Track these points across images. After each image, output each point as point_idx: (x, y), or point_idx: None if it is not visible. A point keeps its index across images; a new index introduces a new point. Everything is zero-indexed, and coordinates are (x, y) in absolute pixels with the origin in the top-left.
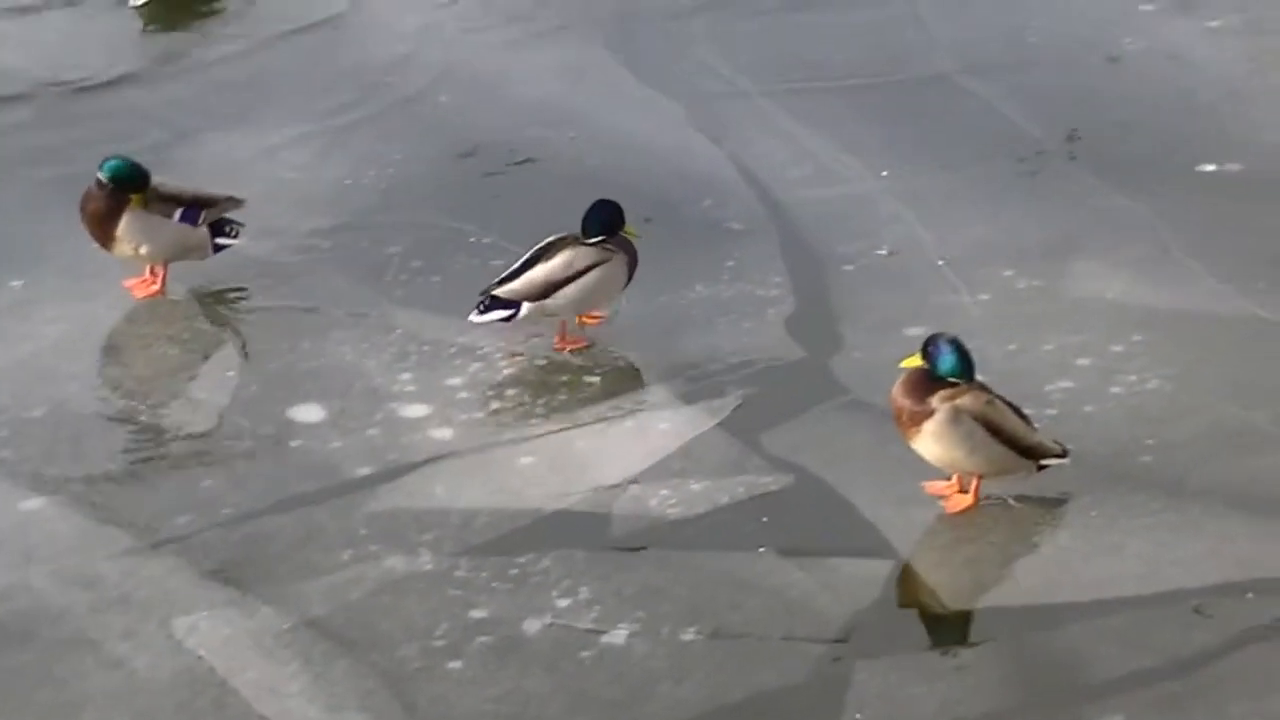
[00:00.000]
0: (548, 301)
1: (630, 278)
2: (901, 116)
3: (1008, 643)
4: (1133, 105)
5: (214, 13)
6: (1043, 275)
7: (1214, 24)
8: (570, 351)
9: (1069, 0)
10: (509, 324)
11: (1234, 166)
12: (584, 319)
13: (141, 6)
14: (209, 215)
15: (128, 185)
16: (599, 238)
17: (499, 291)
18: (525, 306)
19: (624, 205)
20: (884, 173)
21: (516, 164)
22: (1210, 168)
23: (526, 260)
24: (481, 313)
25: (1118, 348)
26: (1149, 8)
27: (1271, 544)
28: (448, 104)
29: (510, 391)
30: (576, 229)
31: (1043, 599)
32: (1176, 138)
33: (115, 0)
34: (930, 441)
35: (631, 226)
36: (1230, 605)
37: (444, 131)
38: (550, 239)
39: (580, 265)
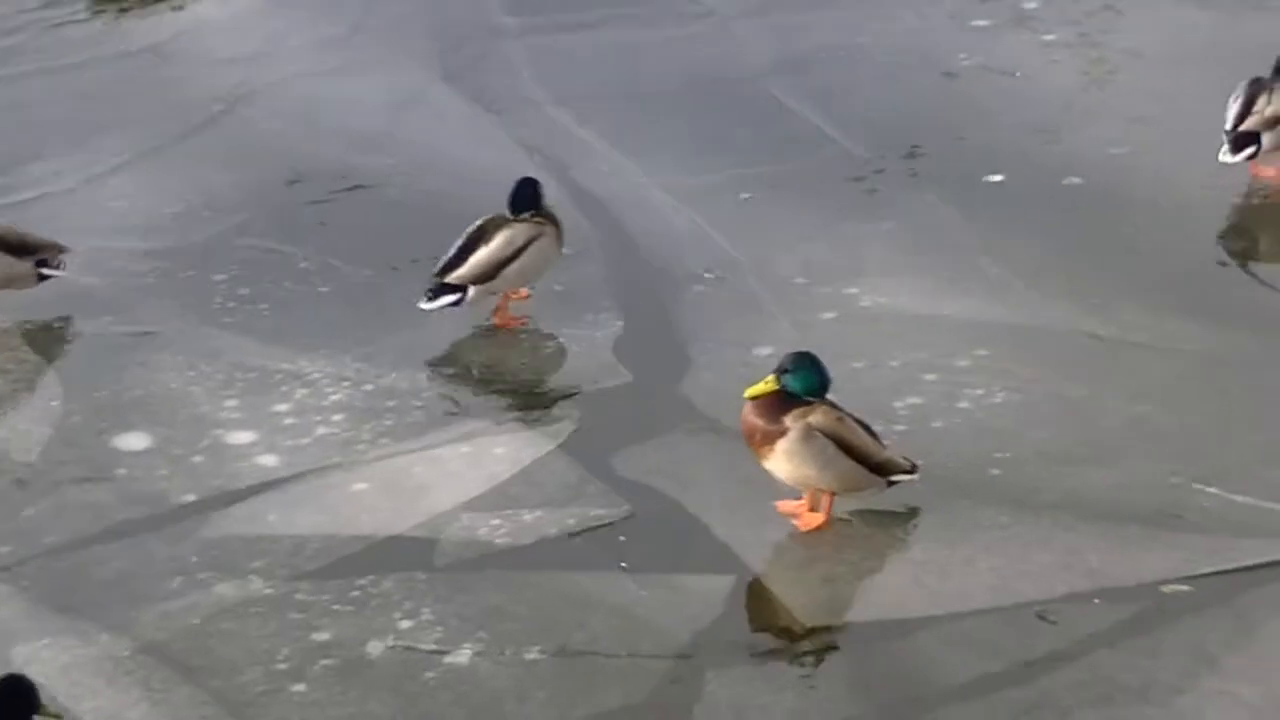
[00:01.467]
0: (494, 281)
1: (561, 244)
2: (740, 137)
3: (859, 654)
4: (970, 121)
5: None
6: (886, 293)
7: (1048, 38)
8: (511, 329)
9: (901, 17)
10: (458, 307)
11: (1074, 180)
12: (513, 295)
13: None
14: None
15: None
16: (528, 212)
17: (448, 278)
18: (472, 290)
19: (446, 230)
20: (744, 195)
21: (343, 190)
22: (1050, 183)
23: (464, 245)
24: (431, 299)
25: (963, 363)
26: (983, 23)
27: (1118, 554)
28: (273, 130)
29: (336, 417)
30: (410, 254)
31: (896, 613)
32: (1015, 153)
33: None
34: (783, 460)
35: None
36: (1077, 612)
37: (270, 158)
38: (480, 221)
39: (520, 242)
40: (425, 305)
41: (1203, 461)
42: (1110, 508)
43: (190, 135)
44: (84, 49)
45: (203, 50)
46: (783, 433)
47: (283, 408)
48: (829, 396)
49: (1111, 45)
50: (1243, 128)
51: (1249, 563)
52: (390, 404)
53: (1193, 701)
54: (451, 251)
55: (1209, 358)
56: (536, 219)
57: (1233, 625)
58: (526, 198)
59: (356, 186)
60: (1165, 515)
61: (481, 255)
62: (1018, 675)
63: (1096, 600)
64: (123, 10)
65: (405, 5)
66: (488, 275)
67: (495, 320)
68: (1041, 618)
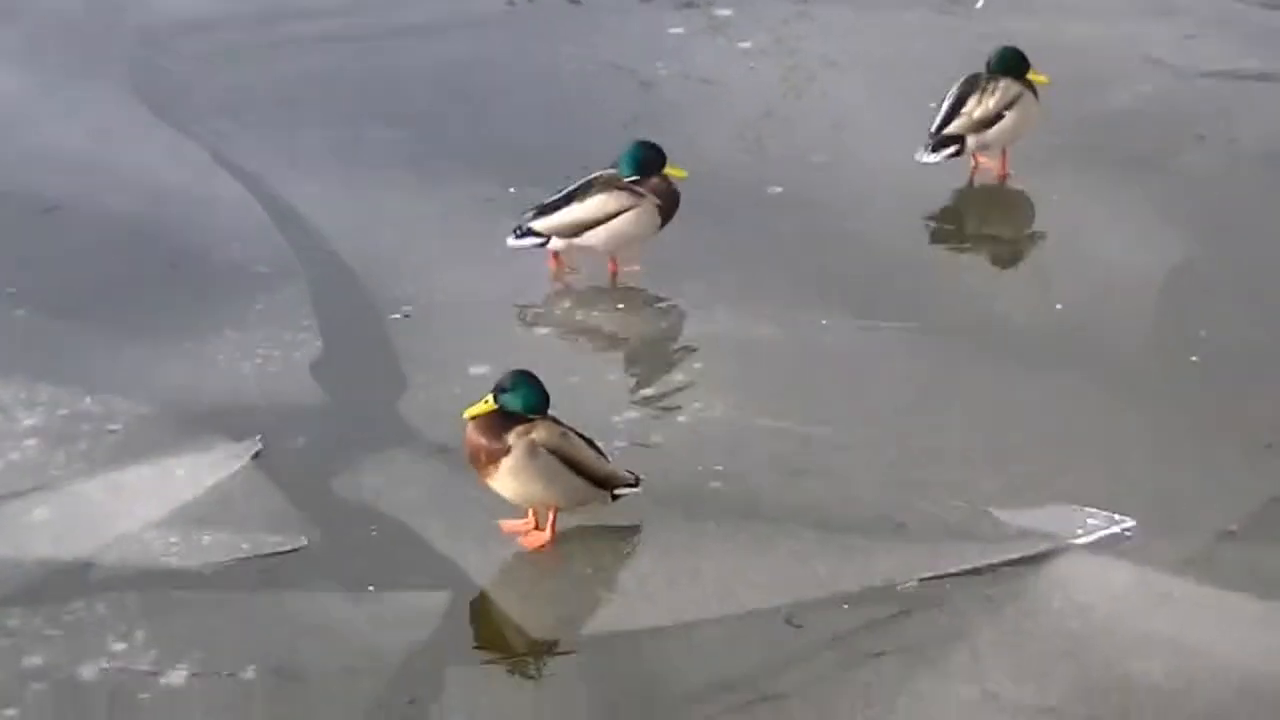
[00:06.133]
0: (576, 240)
1: (667, 218)
2: (439, 152)
3: (591, 665)
4: (670, 131)
5: None
6: (598, 307)
7: (745, 45)
8: (624, 274)
9: (596, 26)
10: (542, 251)
11: (776, 189)
12: (616, 268)
13: None
14: None
15: None
16: (633, 177)
17: (534, 224)
18: (555, 241)
19: (144, 252)
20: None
21: (42, 213)
22: (753, 192)
23: (565, 195)
24: (517, 238)
25: (679, 376)
26: (679, 30)
27: (841, 561)
28: None
29: (29, 442)
30: (107, 276)
31: (627, 625)
32: (717, 163)
33: None
34: (508, 478)
35: (675, 167)
36: (807, 618)
37: None
38: (591, 176)
39: (612, 208)
40: (510, 243)
41: (919, 469)
42: (832, 516)
43: None
44: None
45: None
46: (506, 451)
47: None
48: (550, 413)
49: (807, 52)
50: (947, 130)
51: (966, 566)
52: (85, 428)
53: (911, 702)
54: (554, 198)
55: (922, 364)
56: (637, 188)
57: (951, 627)
58: (634, 162)
59: (53, 208)
60: (886, 522)
61: (571, 212)
62: (745, 680)
63: (845, 606)
64: None
65: (86, 27)
66: (570, 232)
67: (609, 267)
68: (789, 622)
